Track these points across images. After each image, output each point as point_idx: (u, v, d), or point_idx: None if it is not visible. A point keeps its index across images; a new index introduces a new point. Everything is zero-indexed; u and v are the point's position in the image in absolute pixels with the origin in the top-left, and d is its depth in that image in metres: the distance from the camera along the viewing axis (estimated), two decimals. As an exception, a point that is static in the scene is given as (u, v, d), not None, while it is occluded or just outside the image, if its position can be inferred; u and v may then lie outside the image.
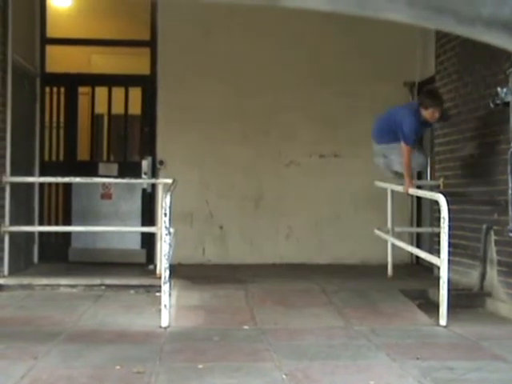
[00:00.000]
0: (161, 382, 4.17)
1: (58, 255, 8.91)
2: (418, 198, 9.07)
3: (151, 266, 8.15)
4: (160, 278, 5.82)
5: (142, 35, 9.32)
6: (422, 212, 9.26)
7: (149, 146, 9.27)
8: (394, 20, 0.44)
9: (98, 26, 9.50)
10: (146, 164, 9.17)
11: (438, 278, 5.86)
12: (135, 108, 9.44)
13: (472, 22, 0.46)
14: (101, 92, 9.38)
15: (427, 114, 6.94)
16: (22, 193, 8.21)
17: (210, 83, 9.13)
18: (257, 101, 9.24)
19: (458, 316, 5.86)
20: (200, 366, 4.43)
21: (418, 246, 8.73)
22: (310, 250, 9.15)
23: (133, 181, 8.78)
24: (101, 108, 9.50)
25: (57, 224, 9.12)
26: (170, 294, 5.69)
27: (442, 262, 5.78)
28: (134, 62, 9.68)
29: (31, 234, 8.67)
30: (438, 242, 6.07)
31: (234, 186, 9.21)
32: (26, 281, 7.34)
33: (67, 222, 9.03)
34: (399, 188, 7.48)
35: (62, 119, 9.33)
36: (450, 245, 5.86)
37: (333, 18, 9.01)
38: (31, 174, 8.64)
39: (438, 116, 7.01)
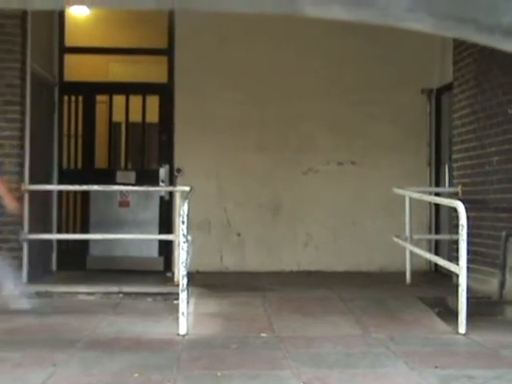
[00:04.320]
0: (179, 389, 4.18)
1: (76, 263, 8.94)
2: (437, 205, 9.03)
3: (169, 274, 8.16)
4: (178, 285, 5.82)
5: (160, 43, 9.36)
6: (441, 219, 9.22)
7: (166, 154, 9.30)
8: (415, 29, 0.44)
9: (116, 34, 9.55)
10: (163, 172, 9.19)
11: (456, 286, 5.82)
12: (153, 116, 9.47)
13: (492, 31, 0.46)
14: (118, 100, 9.43)
15: None
16: (40, 201, 8.26)
17: (228, 91, 9.15)
18: (274, 109, 9.24)
19: (477, 324, 5.82)
20: (218, 374, 4.43)
21: (437, 254, 8.69)
22: (328, 258, 9.12)
23: (150, 189, 8.80)
24: (118, 116, 9.55)
25: (75, 232, 9.16)
26: (187, 302, 5.70)
27: (460, 269, 5.75)
28: (151, 71, 9.73)
29: (49, 241, 8.71)
30: (457, 250, 6.04)
31: (252, 194, 9.21)
32: (43, 288, 7.37)
33: (85, 230, 9.07)
34: (416, 195, 7.45)
35: (79, 127, 9.38)
36: (468, 252, 5.82)
37: (351, 26, 9.02)
38: (49, 182, 8.70)
39: None
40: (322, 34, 8.92)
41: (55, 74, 9.05)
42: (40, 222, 8.19)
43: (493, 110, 7.01)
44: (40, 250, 8.24)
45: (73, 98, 9.35)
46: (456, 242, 6.35)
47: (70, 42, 9.22)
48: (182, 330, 5.55)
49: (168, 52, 9.32)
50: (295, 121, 9.23)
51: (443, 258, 7.64)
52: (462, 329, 5.63)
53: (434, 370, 4.57)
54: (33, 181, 7.71)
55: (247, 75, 9.20)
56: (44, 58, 8.57)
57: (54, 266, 8.94)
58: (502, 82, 6.76)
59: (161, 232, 9.07)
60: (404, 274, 7.92)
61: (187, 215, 5.73)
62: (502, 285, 6.68)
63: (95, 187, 8.14)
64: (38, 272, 8.08)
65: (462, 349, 5.32)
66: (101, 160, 9.59)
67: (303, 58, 9.23)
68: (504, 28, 0.42)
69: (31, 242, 7.68)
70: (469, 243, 5.83)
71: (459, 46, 7.92)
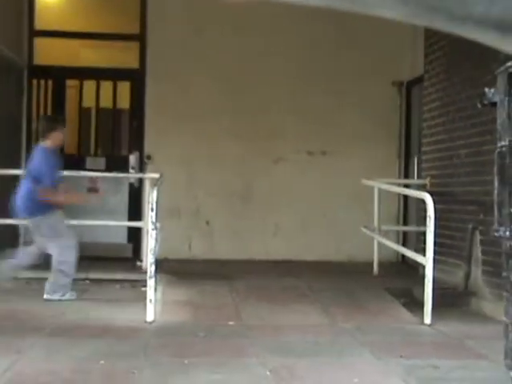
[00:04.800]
0: (145, 376, 4.17)
1: (43, 249, 8.85)
2: (405, 197, 9.10)
3: (138, 262, 8.12)
4: (146, 272, 5.80)
5: (131, 29, 9.28)
6: (409, 211, 9.30)
7: (136, 141, 9.25)
8: (386, 17, 0.44)
9: (87, 18, 9.45)
10: (133, 158, 9.14)
11: (423, 277, 5.88)
12: (123, 102, 9.41)
13: (463, 21, 0.47)
14: (89, 85, 9.34)
15: (58, 136, 6.51)
16: (7, 185, 8.16)
17: (199, 78, 9.11)
18: (246, 97, 9.23)
19: (443, 315, 5.89)
20: (185, 362, 4.42)
21: (404, 245, 8.77)
22: (297, 247, 9.15)
23: (120, 175, 8.75)
24: (89, 101, 9.46)
25: (43, 217, 9.06)
26: (155, 289, 5.68)
27: (427, 260, 5.80)
28: (123, 56, 9.65)
29: (16, 226, 8.62)
30: (424, 241, 6.09)
31: (222, 182, 9.20)
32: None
33: (53, 216, 8.98)
34: (385, 187, 7.50)
35: (49, 112, 9.28)
36: (435, 244, 5.88)
37: (323, 16, 9.01)
38: (18, 167, 8.59)
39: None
40: (295, 23, 8.92)
41: (24, 57, 8.94)
42: (7, 207, 8.09)
43: (462, 103, 7.07)
44: (7, 235, 8.15)
45: (42, 82, 9.24)
46: (423, 234, 6.41)
47: (40, 25, 9.11)
48: (150, 317, 5.54)
49: (140, 38, 9.24)
50: (267, 110, 9.23)
51: (411, 249, 7.71)
52: (428, 319, 5.69)
53: (399, 359, 4.62)
54: (0, 165, 7.61)
55: (220, 63, 9.17)
56: (13, 40, 8.46)
57: (20, 252, 8.84)
58: (472, 75, 6.82)
59: (130, 219, 9.03)
60: (372, 264, 7.97)
61: (156, 202, 5.70)
62: (468, 276, 6.76)
63: (64, 173, 8.05)
64: (4, 257, 7.99)
65: (427, 339, 5.37)
66: (70, 145, 9.49)
67: (275, 47, 9.22)
68: (475, 18, 0.42)
69: (-2, 227, 7.59)
70: (436, 235, 5.88)
71: (430, 38, 7.97)
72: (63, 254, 6.28)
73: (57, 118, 7.05)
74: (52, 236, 6.35)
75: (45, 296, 6.28)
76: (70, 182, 9.00)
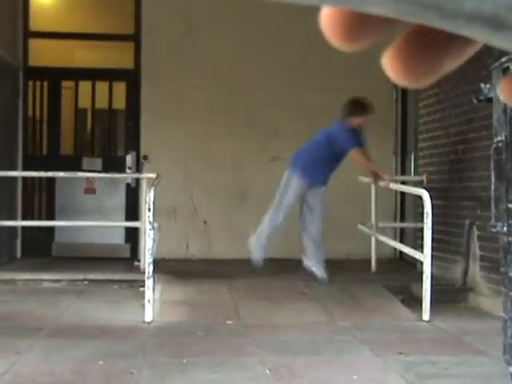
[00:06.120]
0: (144, 376, 4.17)
1: (41, 250, 8.86)
2: (402, 194, 9.11)
3: (136, 262, 8.12)
4: (144, 272, 5.80)
5: (126, 29, 9.28)
6: (406, 207, 9.30)
7: (133, 141, 9.24)
8: (377, 14, 0.43)
9: (82, 19, 9.44)
10: (130, 159, 9.14)
11: (421, 273, 5.89)
12: (119, 102, 9.40)
13: (454, 17, 0.47)
14: (85, 86, 9.33)
15: (361, 120, 7.31)
16: (4, 187, 8.16)
17: (195, 78, 9.11)
18: (241, 97, 9.22)
19: (441, 311, 5.90)
20: (184, 361, 4.43)
21: (402, 241, 8.77)
22: (294, 245, 9.14)
23: (117, 175, 8.74)
24: (85, 102, 9.45)
25: (40, 218, 9.08)
26: (153, 289, 5.68)
27: (425, 257, 5.81)
28: (118, 57, 9.64)
29: (14, 228, 8.62)
30: (422, 238, 6.10)
31: (219, 181, 9.20)
32: (8, 275, 7.29)
33: (51, 217, 8.99)
34: (382, 183, 7.52)
35: (45, 113, 9.27)
36: (433, 240, 5.88)
37: (317, 14, 8.96)
38: (14, 168, 8.59)
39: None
40: (290, 21, 8.91)
41: (20, 58, 8.92)
42: (4, 209, 8.10)
43: (458, 99, 7.08)
44: (4, 237, 8.15)
45: (38, 84, 9.22)
46: (421, 230, 6.42)
47: (34, 26, 9.10)
48: (148, 317, 5.54)
49: (135, 38, 9.23)
50: (262, 108, 9.23)
51: (408, 245, 7.71)
52: (426, 316, 5.70)
53: (398, 356, 4.62)
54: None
55: (215, 62, 9.16)
56: (8, 42, 8.44)
57: (18, 253, 8.85)
58: (467, 70, 6.83)
59: (127, 219, 9.02)
60: (369, 261, 7.98)
61: (153, 202, 5.70)
62: (466, 272, 6.77)
63: (61, 174, 8.05)
64: (2, 259, 8.00)
65: (425, 335, 5.38)
66: (67, 146, 9.50)
67: (269, 45, 9.21)
68: (466, 14, 0.42)
69: (-5, 229, 7.58)
70: (433, 231, 5.89)
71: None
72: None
73: (364, 104, 7.37)
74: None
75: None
76: (67, 182, 9.02)
